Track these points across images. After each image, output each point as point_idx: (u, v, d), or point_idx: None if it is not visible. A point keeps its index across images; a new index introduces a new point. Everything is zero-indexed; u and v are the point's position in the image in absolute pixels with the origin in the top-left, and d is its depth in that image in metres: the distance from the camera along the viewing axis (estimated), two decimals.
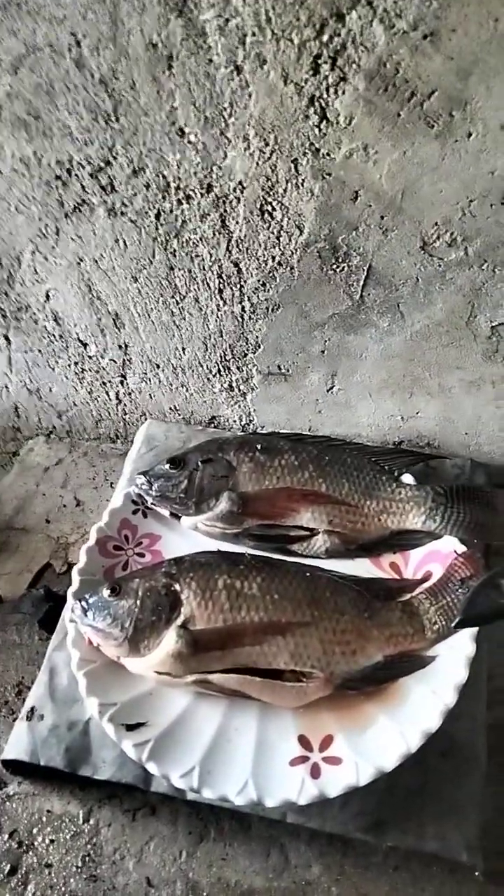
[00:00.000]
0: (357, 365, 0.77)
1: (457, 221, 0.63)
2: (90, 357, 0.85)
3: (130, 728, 0.61)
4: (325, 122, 0.58)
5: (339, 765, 0.59)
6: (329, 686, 0.62)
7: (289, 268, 0.69)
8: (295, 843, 0.64)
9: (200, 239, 0.69)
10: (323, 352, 0.77)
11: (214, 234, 0.69)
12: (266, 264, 0.70)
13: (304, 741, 0.61)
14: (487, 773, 0.64)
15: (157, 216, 0.69)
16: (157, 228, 0.70)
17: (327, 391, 0.82)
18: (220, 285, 0.73)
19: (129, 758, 0.60)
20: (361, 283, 0.69)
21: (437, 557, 0.71)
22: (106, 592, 0.65)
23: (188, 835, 0.66)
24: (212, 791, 0.58)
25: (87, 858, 0.65)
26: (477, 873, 0.59)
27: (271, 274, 0.70)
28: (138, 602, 0.64)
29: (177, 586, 0.64)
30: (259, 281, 0.71)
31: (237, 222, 0.67)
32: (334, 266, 0.68)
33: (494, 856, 0.61)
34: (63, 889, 0.62)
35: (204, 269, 0.72)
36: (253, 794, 0.57)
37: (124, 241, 0.71)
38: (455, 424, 0.82)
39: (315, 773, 0.59)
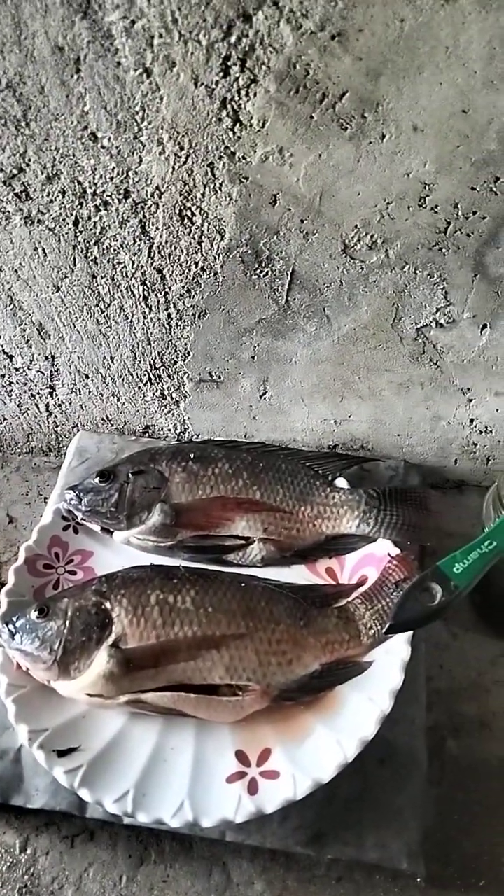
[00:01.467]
0: (288, 370, 0.77)
1: (376, 224, 0.62)
2: (17, 369, 0.82)
3: (62, 754, 0.59)
4: (238, 124, 0.57)
5: (277, 779, 0.58)
6: (266, 698, 0.61)
7: (212, 273, 0.68)
8: (237, 861, 0.63)
9: (121, 246, 0.68)
10: (253, 357, 0.76)
11: (135, 241, 0.67)
12: (189, 270, 0.68)
13: (241, 756, 0.60)
14: (428, 777, 0.63)
15: (76, 223, 0.67)
16: (76, 236, 0.68)
17: (260, 397, 0.81)
18: (145, 292, 0.71)
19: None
20: (286, 287, 0.68)
21: (371, 561, 0.71)
22: (33, 614, 0.63)
23: (128, 858, 0.64)
24: (146, 815, 0.56)
25: (24, 890, 0.62)
26: (419, 879, 0.59)
27: (195, 280, 0.69)
28: (67, 622, 0.62)
29: (107, 604, 0.63)
30: (184, 287, 0.70)
31: (157, 228, 0.66)
32: (258, 271, 0.67)
33: (435, 860, 0.61)
34: None
35: (127, 276, 0.70)
36: (189, 815, 0.56)
37: (43, 250, 0.69)
38: (387, 427, 0.81)
39: (252, 788, 0.57)
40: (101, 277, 0.71)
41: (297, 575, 0.72)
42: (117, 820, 0.61)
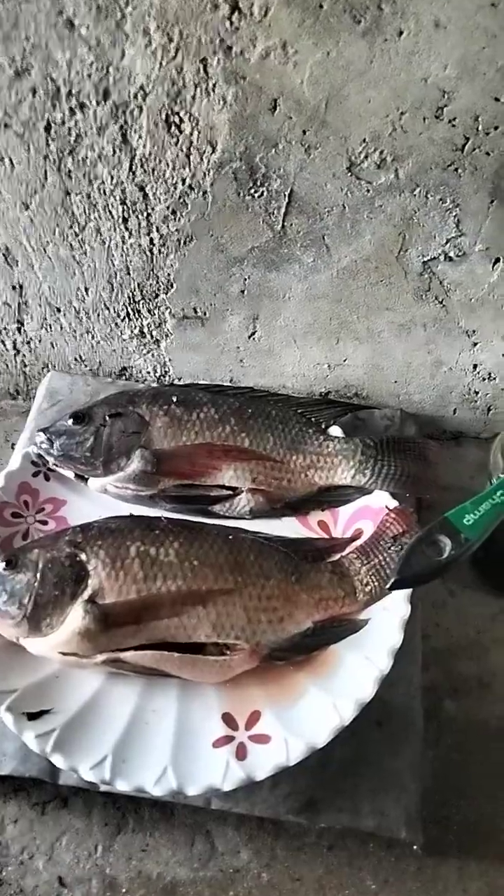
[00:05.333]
0: (280, 307, 0.70)
1: (386, 138, 0.56)
2: None
3: (33, 717, 0.54)
4: (237, 13, 0.50)
5: (268, 743, 0.54)
6: (255, 658, 0.57)
7: (201, 192, 0.61)
8: (222, 829, 0.59)
9: (99, 157, 0.60)
10: (243, 292, 0.69)
11: (115, 152, 0.60)
12: (176, 188, 0.61)
13: (228, 719, 0.56)
14: (424, 739, 0.60)
15: (48, 129, 0.59)
16: (48, 144, 0.60)
17: (249, 337, 0.74)
18: (125, 213, 0.64)
19: None
20: (283, 210, 0.62)
21: (367, 514, 0.67)
22: (0, 566, 0.57)
23: (104, 827, 0.60)
24: (126, 782, 0.52)
25: None
26: (416, 847, 0.55)
27: (182, 200, 0.62)
28: (38, 575, 0.57)
29: (83, 556, 0.58)
30: (168, 208, 0.63)
31: (140, 136, 0.58)
32: (252, 191, 0.61)
33: (434, 825, 0.58)
34: None
35: (105, 193, 0.63)
36: (172, 783, 0.52)
37: (10, 160, 0.62)
38: (384, 372, 0.76)
39: (241, 753, 0.53)
40: (76, 195, 0.63)
41: (288, 528, 0.68)
42: (92, 787, 0.57)
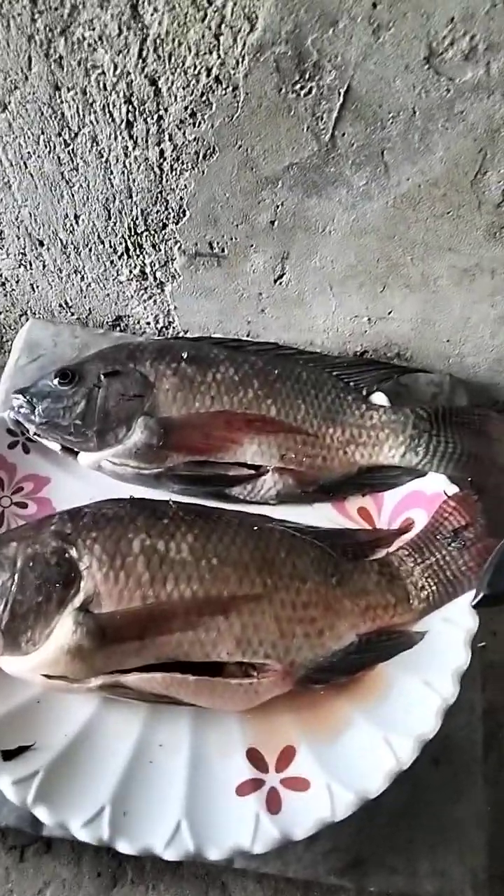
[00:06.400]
0: (317, 243, 0.58)
1: (482, 18, 0.43)
2: None
3: (9, 755, 0.45)
4: None
5: (306, 790, 0.44)
6: (288, 681, 0.48)
7: (231, 87, 0.48)
8: (241, 882, 0.50)
9: (99, 38, 0.47)
10: (273, 223, 0.56)
11: (121, 31, 0.46)
12: (198, 81, 0.48)
13: (255, 757, 0.47)
14: (483, 773, 0.50)
15: (34, 0, 0.45)
16: (33, 20, 0.46)
17: (275, 281, 0.62)
18: (129, 115, 0.51)
19: None
20: (334, 114, 0.49)
21: (419, 501, 0.57)
22: None
23: (96, 878, 0.51)
24: (129, 843, 0.43)
25: None
26: None
27: (205, 98, 0.49)
28: (16, 577, 0.46)
29: (72, 551, 0.47)
30: (186, 109, 0.49)
31: (156, 9, 0.45)
32: (298, 86, 0.47)
33: (500, 882, 0.48)
34: None
35: (105, 88, 0.49)
36: (188, 843, 0.42)
37: None
38: (435, 329, 0.64)
39: (273, 803, 0.44)
40: (69, 90, 0.50)
41: (321, 516, 0.59)
42: None
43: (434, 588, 0.51)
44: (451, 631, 0.49)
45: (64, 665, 0.44)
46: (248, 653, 0.47)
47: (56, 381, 0.56)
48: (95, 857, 0.50)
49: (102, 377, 0.56)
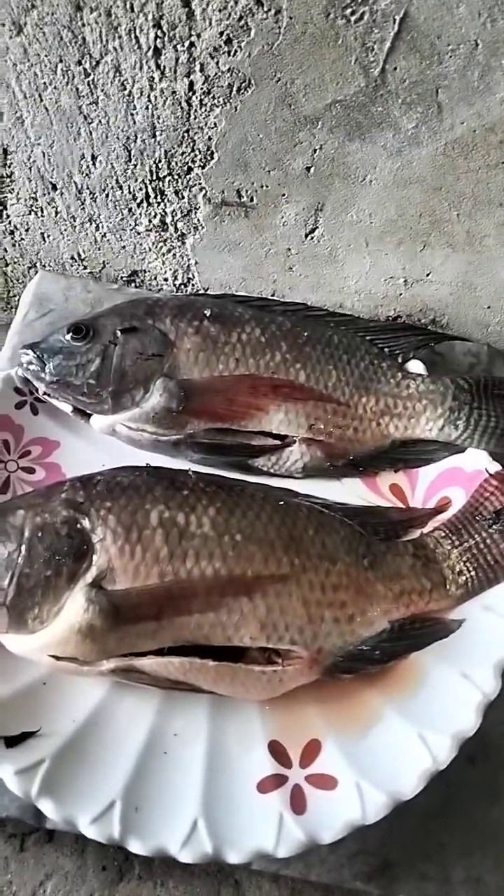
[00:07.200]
0: (356, 194, 0.53)
1: None
2: None
3: (13, 742, 0.41)
4: None
5: (333, 789, 0.41)
6: (315, 669, 0.45)
7: (273, 10, 0.43)
8: (255, 880, 0.47)
9: None
10: (309, 169, 0.52)
11: None
12: (236, 2, 0.43)
13: (277, 751, 0.43)
14: None
15: None
16: None
17: (306, 236, 0.57)
18: (158, 41, 0.46)
19: None
20: (387, 45, 0.44)
21: (457, 478, 0.54)
22: None
23: (101, 872, 0.48)
24: (142, 842, 0.39)
25: None
26: None
27: (243, 22, 0.44)
28: (23, 547, 0.43)
29: (85, 522, 0.44)
30: (222, 35, 0.44)
31: None
32: (349, 10, 0.42)
33: None
34: None
35: (132, 9, 0.44)
36: (206, 845, 0.39)
37: None
38: (476, 293, 0.60)
39: (298, 803, 0.41)
40: (91, 10, 0.45)
41: (350, 492, 0.55)
42: None
43: (473, 573, 0.47)
44: (491, 619, 0.46)
45: (74, 646, 0.41)
46: (272, 638, 0.43)
47: (69, 337, 0.52)
48: (100, 848, 0.47)
49: (119, 334, 0.52)
